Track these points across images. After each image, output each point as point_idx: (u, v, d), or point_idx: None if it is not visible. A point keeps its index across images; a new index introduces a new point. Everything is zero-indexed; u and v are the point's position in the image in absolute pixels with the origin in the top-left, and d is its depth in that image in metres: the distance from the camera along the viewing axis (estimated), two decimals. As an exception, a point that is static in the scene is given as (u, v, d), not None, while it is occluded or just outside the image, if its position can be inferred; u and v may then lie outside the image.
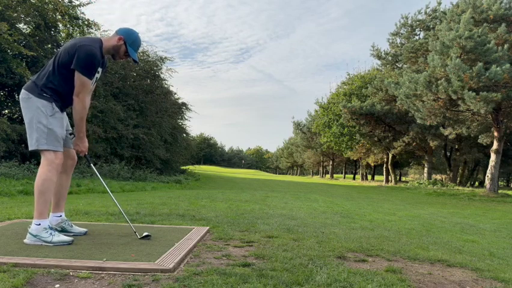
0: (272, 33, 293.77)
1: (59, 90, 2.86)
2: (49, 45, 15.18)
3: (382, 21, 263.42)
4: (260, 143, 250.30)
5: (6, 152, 12.78)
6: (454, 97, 17.49)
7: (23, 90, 2.88)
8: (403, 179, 51.14)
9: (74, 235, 2.99)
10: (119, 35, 2.98)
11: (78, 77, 2.80)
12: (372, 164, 41.72)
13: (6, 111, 14.97)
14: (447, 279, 2.52)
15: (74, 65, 2.78)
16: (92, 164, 3.29)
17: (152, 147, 19.08)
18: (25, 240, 2.73)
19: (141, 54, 20.65)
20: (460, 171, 31.58)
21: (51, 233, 2.73)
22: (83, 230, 3.14)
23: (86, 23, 15.67)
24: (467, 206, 14.17)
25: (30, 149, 2.86)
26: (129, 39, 2.99)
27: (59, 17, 14.58)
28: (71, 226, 3.12)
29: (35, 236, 2.70)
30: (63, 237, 2.76)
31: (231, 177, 33.61)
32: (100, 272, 2.15)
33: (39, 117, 2.79)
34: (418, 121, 21.69)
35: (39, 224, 2.73)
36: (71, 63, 2.79)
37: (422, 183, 25.87)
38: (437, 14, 23.55)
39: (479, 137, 21.22)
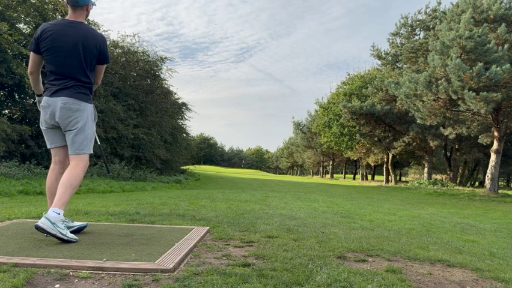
0: (273, 32, 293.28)
1: None
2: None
3: (383, 21, 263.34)
4: (260, 143, 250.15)
5: (6, 152, 12.78)
6: (454, 97, 17.50)
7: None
8: (403, 179, 51.18)
9: (77, 228, 3.04)
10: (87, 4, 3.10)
11: None
12: (372, 164, 41.74)
13: (6, 111, 14.97)
14: (447, 279, 2.52)
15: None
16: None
17: (152, 147, 19.08)
18: (39, 224, 2.61)
19: (141, 54, 20.65)
20: (460, 171, 31.58)
21: (65, 227, 2.74)
22: (84, 223, 3.20)
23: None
24: (467, 206, 14.18)
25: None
26: None
27: (59, 17, 14.57)
28: (72, 222, 3.16)
29: (53, 223, 2.64)
30: (72, 235, 2.76)
31: (231, 177, 33.60)
32: (100, 272, 2.15)
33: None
34: (418, 121, 21.69)
35: (59, 214, 2.71)
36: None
37: (422, 183, 25.85)
38: (437, 14, 23.53)
39: (479, 137, 21.21)
